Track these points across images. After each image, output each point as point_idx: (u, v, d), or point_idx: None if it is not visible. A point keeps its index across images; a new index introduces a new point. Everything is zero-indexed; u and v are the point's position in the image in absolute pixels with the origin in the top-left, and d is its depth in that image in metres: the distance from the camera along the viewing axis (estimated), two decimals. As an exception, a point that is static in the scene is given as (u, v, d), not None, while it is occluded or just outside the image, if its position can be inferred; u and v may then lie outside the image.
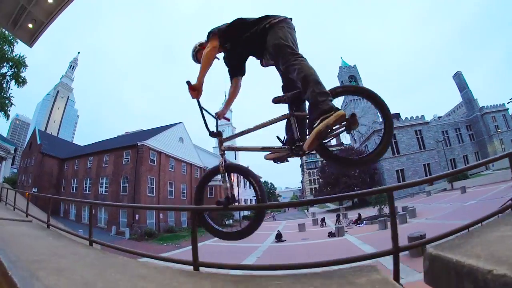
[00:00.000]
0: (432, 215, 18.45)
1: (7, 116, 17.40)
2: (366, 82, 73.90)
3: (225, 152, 2.19)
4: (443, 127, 53.87)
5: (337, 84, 66.67)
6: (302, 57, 1.90)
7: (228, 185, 2.16)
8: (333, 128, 1.76)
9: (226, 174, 2.16)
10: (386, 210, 27.23)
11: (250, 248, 15.01)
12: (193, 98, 2.04)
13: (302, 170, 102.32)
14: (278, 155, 2.10)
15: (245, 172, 2.19)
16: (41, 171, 36.57)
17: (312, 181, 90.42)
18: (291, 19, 2.15)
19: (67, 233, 4.21)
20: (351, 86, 2.05)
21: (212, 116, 2.32)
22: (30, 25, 9.13)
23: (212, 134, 2.22)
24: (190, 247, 2.18)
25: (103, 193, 31.06)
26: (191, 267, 2.12)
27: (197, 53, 2.35)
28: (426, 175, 47.82)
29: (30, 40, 9.90)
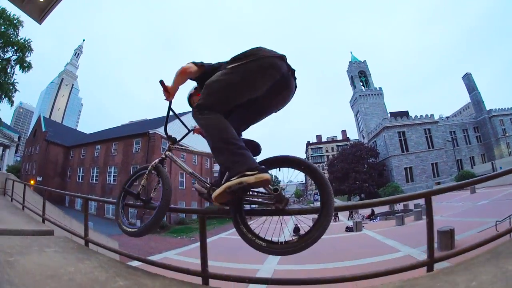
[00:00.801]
0: (446, 213, 17.94)
1: (11, 102, 16.80)
2: (375, 78, 73.29)
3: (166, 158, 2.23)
4: (451, 127, 53.62)
5: (346, 77, 66.77)
6: (210, 113, 1.62)
7: (146, 183, 2.19)
8: (251, 189, 1.59)
9: (153, 173, 2.18)
10: (397, 206, 27.00)
11: (269, 241, 14.47)
12: (165, 99, 1.99)
13: None
14: (200, 190, 1.95)
15: (164, 178, 2.13)
16: (46, 159, 36.07)
17: None
18: (279, 57, 1.69)
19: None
20: (288, 156, 1.76)
21: (186, 127, 2.36)
22: (41, -1, 8.40)
23: (168, 136, 2.22)
24: (207, 240, 1.99)
25: (112, 182, 30.28)
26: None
27: (191, 97, 2.30)
28: (434, 175, 47.95)
29: (40, 15, 9.18)
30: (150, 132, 28.51)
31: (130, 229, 2.13)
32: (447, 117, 58.86)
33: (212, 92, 1.67)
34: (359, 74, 64.20)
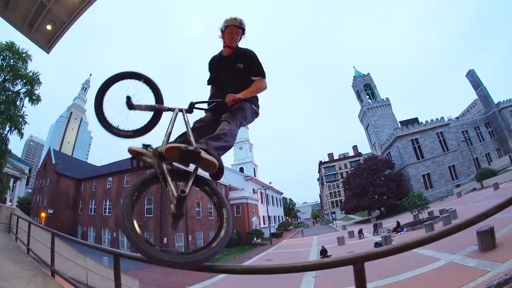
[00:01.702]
0: (474, 214, 17.01)
1: (21, 134, 16.65)
2: (381, 88, 73.16)
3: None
4: (462, 127, 52.35)
5: (352, 93, 66.37)
6: (237, 125, 2.14)
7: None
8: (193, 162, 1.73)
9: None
10: (422, 215, 25.73)
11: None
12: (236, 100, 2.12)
13: (321, 184, 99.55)
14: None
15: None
16: (57, 192, 35.72)
17: (333, 193, 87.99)
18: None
19: None
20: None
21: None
22: (49, 27, 8.20)
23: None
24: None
25: (126, 215, 29.33)
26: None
27: (225, 30, 2.32)
28: (452, 177, 46.36)
29: (48, 44, 8.98)
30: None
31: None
32: (457, 118, 57.55)
33: (246, 116, 2.23)
34: (365, 87, 64.02)
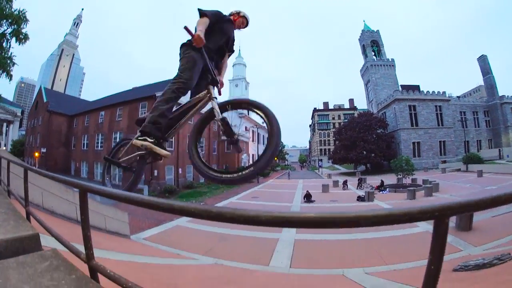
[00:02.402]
0: (455, 192, 18.20)
1: (9, 76, 15.96)
2: (388, 49, 70.53)
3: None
4: (462, 108, 51.89)
5: (355, 48, 64.50)
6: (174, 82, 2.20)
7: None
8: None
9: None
10: (406, 180, 26.53)
11: (282, 207, 14.11)
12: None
13: (313, 130, 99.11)
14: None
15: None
16: (49, 130, 35.64)
17: (323, 142, 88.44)
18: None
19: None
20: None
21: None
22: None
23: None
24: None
25: (117, 148, 29.43)
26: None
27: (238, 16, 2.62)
28: (440, 153, 47.21)
29: None
30: (156, 95, 26.57)
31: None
32: (458, 97, 56.77)
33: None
34: (372, 43, 61.72)
